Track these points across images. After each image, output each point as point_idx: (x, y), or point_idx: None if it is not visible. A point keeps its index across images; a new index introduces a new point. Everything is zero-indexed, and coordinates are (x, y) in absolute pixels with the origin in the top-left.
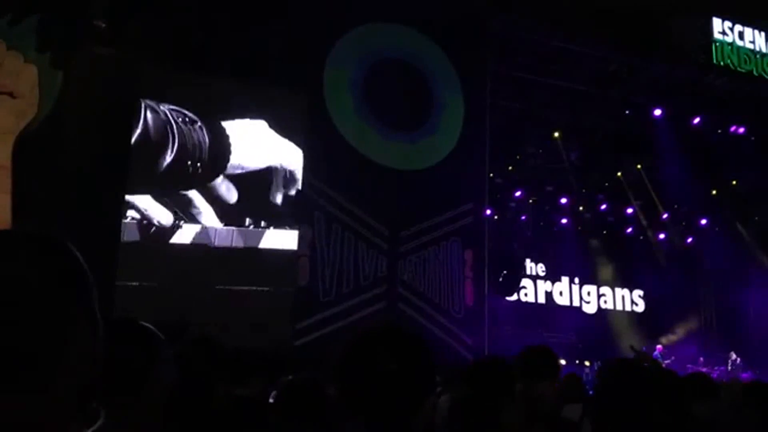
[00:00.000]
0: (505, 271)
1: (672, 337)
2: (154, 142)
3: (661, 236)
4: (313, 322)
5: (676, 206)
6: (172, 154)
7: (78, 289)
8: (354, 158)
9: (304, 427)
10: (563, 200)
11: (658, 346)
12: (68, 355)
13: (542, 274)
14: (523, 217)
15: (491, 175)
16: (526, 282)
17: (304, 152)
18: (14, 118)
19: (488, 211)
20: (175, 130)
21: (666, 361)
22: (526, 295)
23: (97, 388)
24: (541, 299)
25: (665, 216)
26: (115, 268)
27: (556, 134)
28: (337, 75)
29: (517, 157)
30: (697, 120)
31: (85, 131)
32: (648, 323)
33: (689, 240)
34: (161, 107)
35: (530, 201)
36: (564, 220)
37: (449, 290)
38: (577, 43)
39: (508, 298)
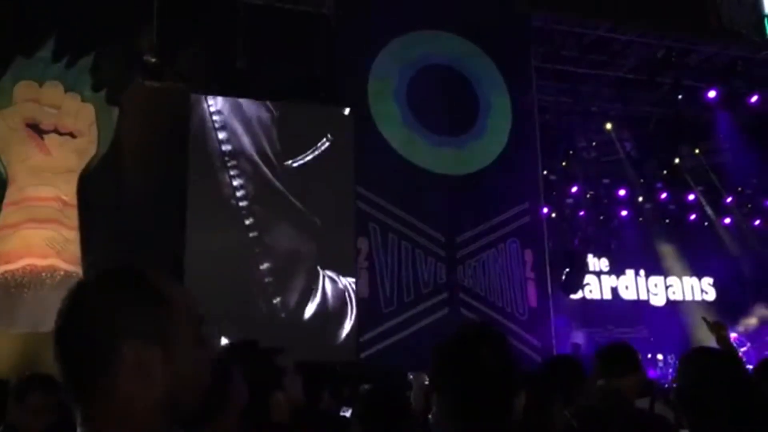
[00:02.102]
0: (567, 269)
1: (746, 325)
2: None
3: (727, 221)
4: (377, 334)
5: (739, 189)
6: None
7: None
8: (404, 167)
9: None
10: (621, 192)
11: (733, 335)
12: None
13: (606, 269)
14: (582, 213)
15: (545, 172)
16: (589, 278)
17: (354, 165)
18: (76, 157)
19: (545, 210)
20: None
21: (742, 349)
22: (591, 291)
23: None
24: (607, 295)
25: (729, 200)
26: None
27: (608, 126)
28: (381, 86)
29: (570, 152)
30: (754, 98)
31: (143, 165)
32: (720, 311)
33: (756, 222)
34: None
35: (587, 195)
36: (624, 213)
37: (511, 292)
38: (621, 31)
39: (572, 297)
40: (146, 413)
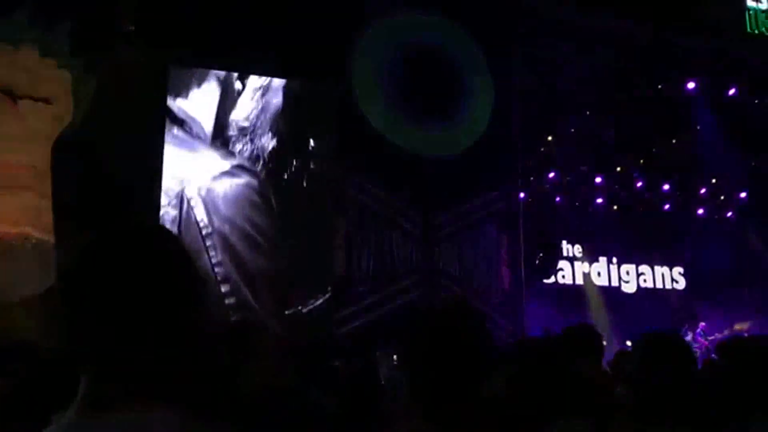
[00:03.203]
0: (541, 254)
1: (715, 314)
2: None
3: (700, 211)
4: (351, 312)
5: (714, 180)
6: None
7: None
8: (384, 147)
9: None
10: (598, 179)
11: (701, 324)
12: None
13: (579, 255)
14: (558, 199)
15: (523, 157)
16: (563, 264)
17: (334, 143)
18: (51, 124)
19: (522, 194)
20: None
21: (710, 337)
22: (563, 277)
23: None
24: (579, 280)
25: (703, 191)
26: None
27: (588, 113)
28: (364, 64)
29: (549, 138)
30: (732, 91)
31: (119, 134)
32: (690, 300)
33: (729, 214)
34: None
35: (564, 182)
36: (599, 200)
37: (486, 275)
38: (604, 20)
39: (545, 281)
40: None
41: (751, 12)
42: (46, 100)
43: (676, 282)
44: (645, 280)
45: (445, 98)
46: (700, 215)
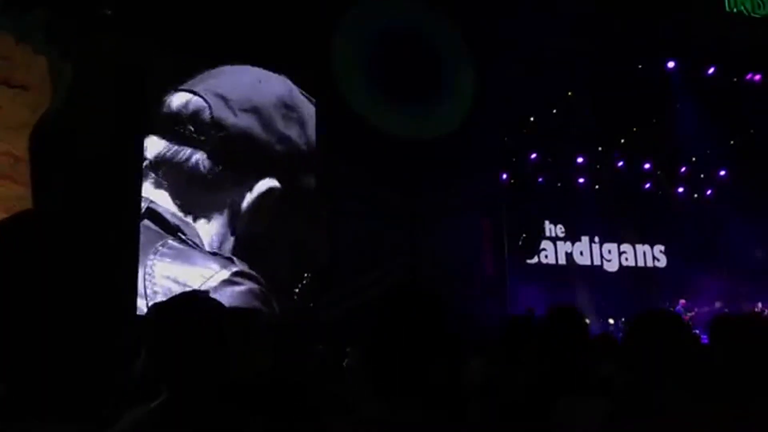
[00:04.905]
0: (524, 234)
1: (694, 291)
2: None
3: (680, 190)
4: (334, 297)
5: (693, 159)
6: None
7: None
8: (366, 130)
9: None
10: (579, 159)
11: (681, 300)
12: None
13: (561, 235)
14: (540, 179)
15: (505, 138)
16: (545, 244)
17: (315, 128)
18: (29, 111)
19: (504, 176)
20: None
21: (689, 314)
22: (546, 257)
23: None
24: (562, 260)
25: (683, 170)
26: (136, 253)
27: (569, 93)
28: (344, 47)
29: (531, 118)
30: (711, 70)
31: (99, 121)
32: (670, 278)
33: (708, 192)
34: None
35: (546, 162)
36: (581, 180)
37: (470, 257)
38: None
39: (528, 261)
40: None
41: None
42: (23, 87)
43: (657, 260)
44: (627, 259)
45: (427, 80)
46: (680, 194)
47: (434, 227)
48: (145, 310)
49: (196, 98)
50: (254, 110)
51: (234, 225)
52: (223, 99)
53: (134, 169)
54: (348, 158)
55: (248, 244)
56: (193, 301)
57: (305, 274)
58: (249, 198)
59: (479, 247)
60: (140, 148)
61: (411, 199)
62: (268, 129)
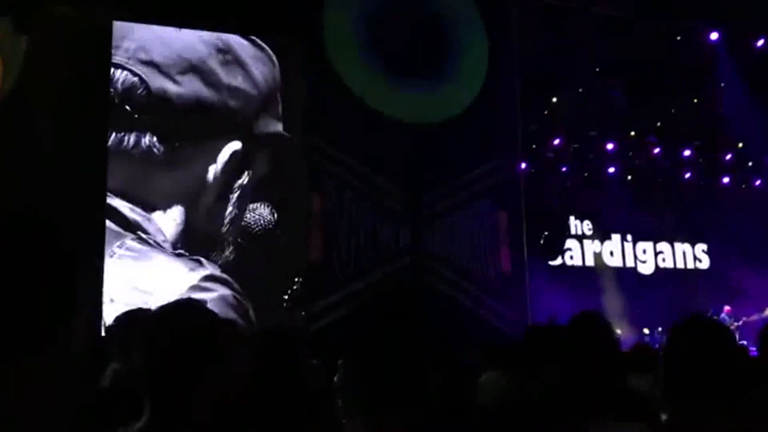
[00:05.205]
0: (546, 232)
1: (741, 296)
2: None
3: (725, 180)
4: (330, 304)
5: (740, 145)
6: None
7: None
8: (363, 113)
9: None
10: (609, 146)
11: (726, 307)
12: None
13: (589, 232)
14: (564, 169)
15: (524, 122)
16: (571, 243)
17: (304, 110)
18: None
19: (523, 165)
20: None
21: (736, 323)
22: (572, 258)
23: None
24: (590, 261)
25: (728, 157)
26: (102, 240)
27: (597, 70)
28: (338, 18)
29: (554, 99)
30: (760, 42)
31: (58, 102)
32: (714, 281)
33: (757, 182)
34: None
35: (571, 149)
36: (611, 169)
37: (483, 258)
38: None
39: (551, 263)
40: None
41: None
42: None
43: (699, 261)
44: (664, 260)
45: (432, 55)
46: (725, 184)
47: (442, 223)
48: (105, 320)
49: (123, 72)
50: (193, 69)
51: (202, 212)
52: (154, 65)
53: (101, 151)
54: (344, 145)
55: (221, 236)
56: (191, 312)
57: (296, 279)
58: (214, 171)
59: (495, 246)
60: (105, 126)
61: (415, 191)
62: (215, 86)
